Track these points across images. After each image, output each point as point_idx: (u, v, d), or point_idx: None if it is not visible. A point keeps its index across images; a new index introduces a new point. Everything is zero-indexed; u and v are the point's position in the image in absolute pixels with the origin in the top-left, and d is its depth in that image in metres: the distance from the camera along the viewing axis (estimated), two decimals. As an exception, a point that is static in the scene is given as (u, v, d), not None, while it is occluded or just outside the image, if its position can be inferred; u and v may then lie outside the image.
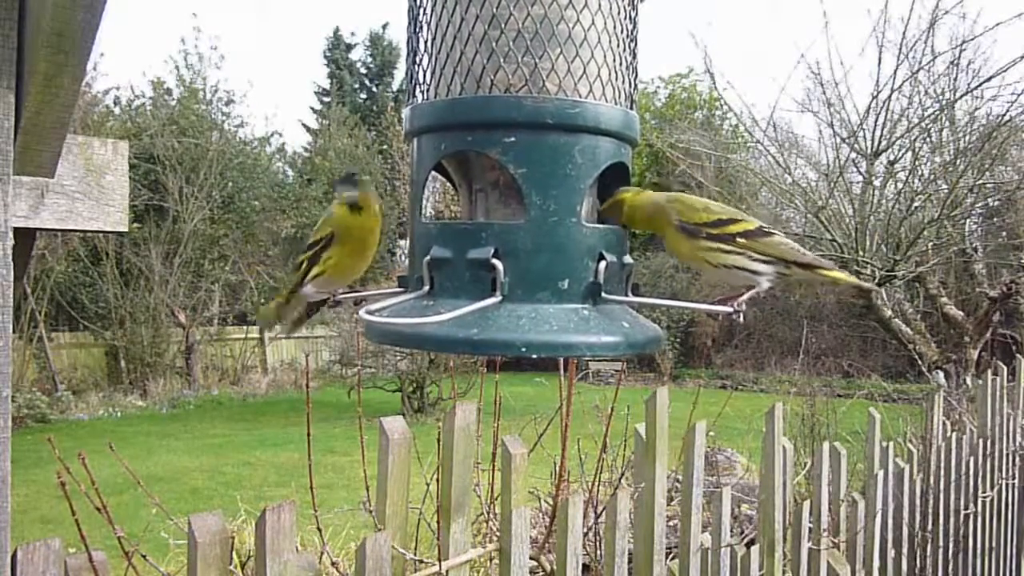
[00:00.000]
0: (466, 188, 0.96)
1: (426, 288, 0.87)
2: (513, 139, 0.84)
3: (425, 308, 0.86)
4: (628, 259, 0.94)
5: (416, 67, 0.93)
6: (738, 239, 0.99)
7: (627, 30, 0.92)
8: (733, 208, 1.05)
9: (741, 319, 0.97)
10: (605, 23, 0.88)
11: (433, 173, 0.95)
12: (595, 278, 0.87)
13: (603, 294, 0.87)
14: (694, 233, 0.99)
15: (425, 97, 0.91)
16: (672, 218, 1.00)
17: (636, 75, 0.95)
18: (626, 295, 0.93)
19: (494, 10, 0.84)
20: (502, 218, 0.91)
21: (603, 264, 0.87)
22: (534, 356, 0.81)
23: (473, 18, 0.85)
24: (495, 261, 0.83)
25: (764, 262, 0.99)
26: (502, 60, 0.84)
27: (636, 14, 0.93)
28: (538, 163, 0.84)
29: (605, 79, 0.88)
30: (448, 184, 1.02)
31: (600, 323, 0.86)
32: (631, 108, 0.93)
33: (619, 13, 0.90)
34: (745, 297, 0.99)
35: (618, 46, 0.90)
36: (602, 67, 0.88)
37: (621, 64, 0.91)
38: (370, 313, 0.84)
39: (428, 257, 0.87)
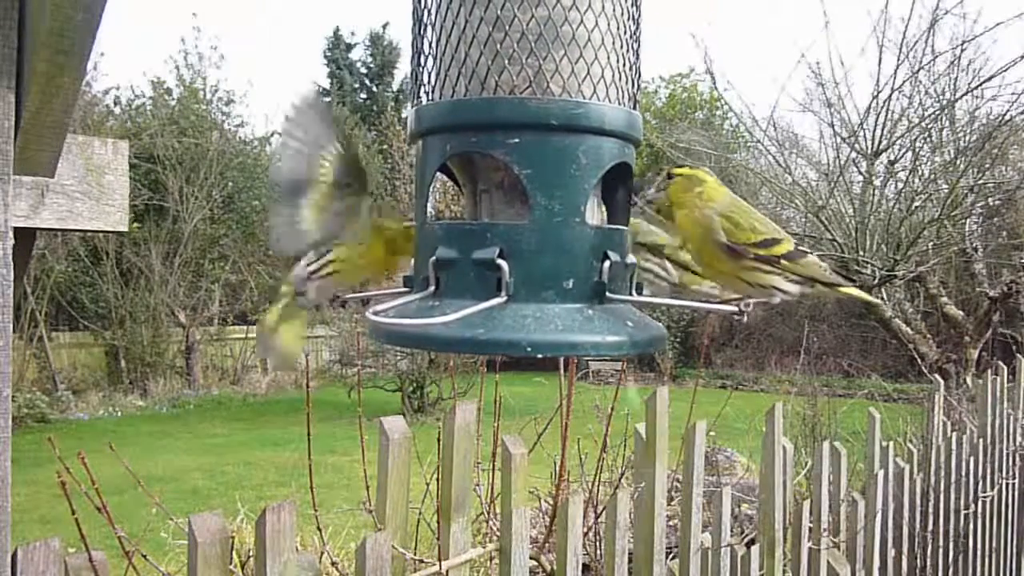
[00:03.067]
0: (471, 189, 0.96)
1: (431, 288, 0.87)
2: (518, 140, 0.84)
3: (431, 308, 0.86)
4: (631, 258, 0.94)
5: (420, 69, 0.93)
6: (782, 261, 1.01)
7: (630, 31, 0.92)
8: (772, 223, 1.06)
9: (745, 319, 0.97)
10: (608, 24, 0.88)
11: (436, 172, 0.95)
12: (600, 278, 0.87)
13: (607, 293, 0.87)
14: (741, 254, 1.00)
15: (430, 99, 0.91)
16: (719, 236, 1.00)
17: (639, 75, 0.95)
18: (630, 294, 0.93)
19: (499, 12, 0.84)
20: (507, 219, 0.91)
21: (607, 264, 0.87)
22: (539, 356, 0.81)
23: (478, 20, 0.85)
24: (500, 261, 0.83)
25: (796, 282, 1.02)
26: (506, 62, 0.85)
27: (639, 14, 0.94)
28: (543, 164, 0.85)
29: (608, 80, 0.88)
30: (447, 184, 1.02)
31: (605, 323, 0.86)
32: (634, 108, 0.93)
33: (622, 14, 0.90)
34: (752, 300, 0.99)
35: (621, 47, 0.90)
36: (605, 68, 0.88)
37: (624, 65, 0.91)
38: (376, 314, 0.84)
39: (434, 257, 0.87)
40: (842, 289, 1.08)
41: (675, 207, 1.04)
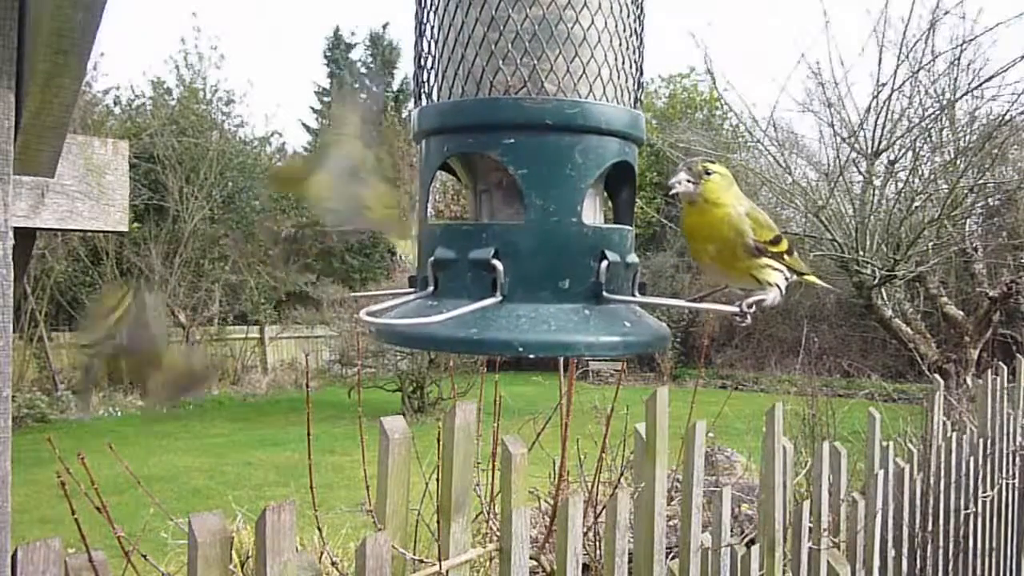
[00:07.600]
0: (472, 189, 0.97)
1: (431, 288, 0.87)
2: (513, 140, 0.84)
3: (429, 308, 0.86)
4: (632, 258, 0.93)
5: (421, 71, 0.93)
6: (785, 257, 1.04)
7: (631, 28, 0.91)
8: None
9: (748, 320, 0.97)
10: (606, 22, 0.87)
11: (436, 172, 0.95)
12: (596, 278, 0.86)
13: (605, 294, 0.86)
14: (761, 252, 1.01)
15: (430, 100, 0.92)
16: (748, 236, 1.00)
17: (641, 74, 0.94)
18: (632, 295, 0.92)
19: (493, 12, 0.84)
20: (505, 219, 0.90)
21: (605, 264, 0.86)
22: (532, 356, 0.81)
23: (473, 21, 0.85)
24: (495, 261, 0.83)
25: (788, 277, 1.06)
26: (501, 62, 0.84)
27: (640, 12, 0.93)
28: (538, 164, 0.84)
29: (606, 78, 0.87)
30: (447, 184, 1.02)
31: (600, 323, 0.85)
32: (635, 107, 0.92)
33: (621, 11, 0.89)
34: (752, 299, 0.99)
35: (620, 44, 0.89)
36: (603, 66, 0.87)
37: (624, 63, 0.90)
38: (370, 314, 0.84)
39: (432, 258, 0.87)
40: (807, 278, 1.15)
41: (711, 205, 0.99)
